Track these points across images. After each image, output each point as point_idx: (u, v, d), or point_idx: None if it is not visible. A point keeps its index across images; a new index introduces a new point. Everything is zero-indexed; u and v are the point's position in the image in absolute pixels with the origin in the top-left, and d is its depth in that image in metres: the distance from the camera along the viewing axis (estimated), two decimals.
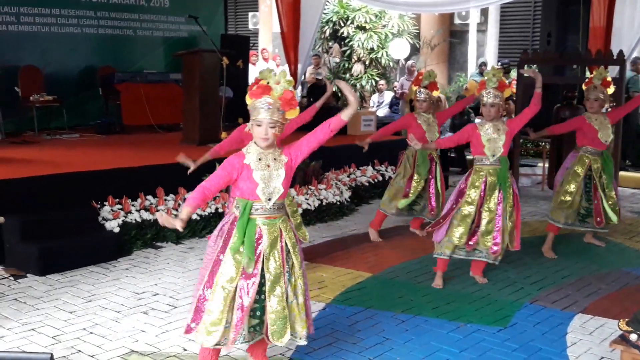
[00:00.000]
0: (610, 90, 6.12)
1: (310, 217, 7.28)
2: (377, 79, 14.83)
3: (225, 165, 3.34)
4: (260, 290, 3.37)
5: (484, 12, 15.42)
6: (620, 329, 3.29)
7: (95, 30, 10.52)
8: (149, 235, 6.25)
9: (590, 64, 8.52)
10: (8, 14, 9.49)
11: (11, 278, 5.34)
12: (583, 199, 6.12)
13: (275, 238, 3.39)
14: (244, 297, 3.32)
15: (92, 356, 3.94)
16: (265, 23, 18.20)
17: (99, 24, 10.54)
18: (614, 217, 6.04)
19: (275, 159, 3.36)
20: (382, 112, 13.31)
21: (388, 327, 4.44)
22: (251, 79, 7.92)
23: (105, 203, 6.16)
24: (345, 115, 3.34)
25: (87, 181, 6.25)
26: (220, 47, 9.37)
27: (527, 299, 5.03)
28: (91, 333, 4.28)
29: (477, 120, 8.93)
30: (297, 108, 3.40)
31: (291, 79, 3.51)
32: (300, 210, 7.11)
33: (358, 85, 15.01)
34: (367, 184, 8.53)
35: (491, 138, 5.09)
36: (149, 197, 6.48)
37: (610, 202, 6.07)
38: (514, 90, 8.91)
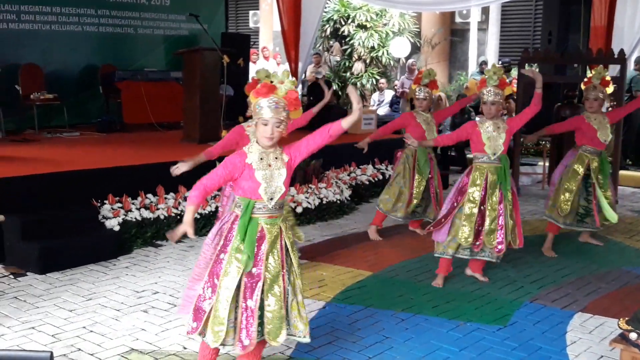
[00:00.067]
0: (610, 89, 6.11)
1: (311, 216, 7.28)
2: (378, 77, 14.83)
3: (227, 164, 3.34)
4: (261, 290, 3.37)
5: (485, 11, 15.42)
6: (620, 328, 3.28)
7: (96, 29, 10.52)
8: (149, 234, 6.26)
9: (591, 63, 8.52)
10: (9, 12, 9.48)
11: (11, 276, 5.34)
12: (581, 198, 6.12)
13: (275, 237, 3.39)
14: (249, 300, 3.32)
15: (92, 354, 3.95)
16: (266, 21, 18.20)
17: (99, 22, 10.53)
18: (614, 217, 6.03)
19: (276, 158, 3.35)
20: (383, 110, 13.31)
21: (388, 325, 4.44)
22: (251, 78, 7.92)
23: (106, 201, 6.16)
24: (345, 123, 3.31)
25: (88, 179, 6.25)
26: (220, 46, 9.37)
27: (527, 297, 5.03)
28: (91, 331, 4.28)
29: (477, 119, 8.94)
30: (301, 109, 3.39)
31: (294, 79, 3.51)
32: (300, 209, 7.12)
33: (359, 83, 15.00)
34: (367, 182, 8.53)
35: (491, 136, 5.09)
36: (149, 195, 6.48)
37: (608, 202, 6.06)
38: (515, 89, 8.92)
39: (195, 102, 8.23)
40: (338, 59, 15.39)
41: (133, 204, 6.30)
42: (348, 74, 15.15)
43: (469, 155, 9.28)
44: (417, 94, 6.42)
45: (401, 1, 11.53)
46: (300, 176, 7.44)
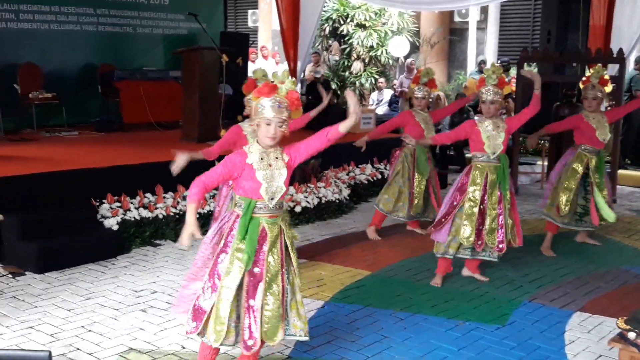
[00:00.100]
0: (608, 88, 6.11)
1: (310, 215, 7.28)
2: (377, 76, 14.83)
3: (227, 163, 3.33)
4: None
5: (484, 10, 15.43)
6: (619, 327, 3.28)
7: (95, 28, 10.51)
8: (147, 233, 6.25)
9: (590, 62, 8.51)
10: (7, 12, 9.47)
11: (10, 276, 5.34)
12: (580, 197, 6.12)
13: (276, 236, 3.39)
14: (251, 300, 3.32)
15: (90, 354, 3.95)
16: (264, 20, 18.19)
17: (98, 22, 10.52)
18: (611, 216, 6.03)
19: (277, 158, 3.35)
20: (382, 110, 13.31)
21: (387, 325, 4.45)
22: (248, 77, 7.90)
23: (104, 201, 6.16)
24: (342, 128, 3.30)
25: (86, 179, 6.25)
26: (219, 45, 9.36)
27: (526, 297, 5.03)
28: (89, 331, 4.28)
29: (476, 118, 8.94)
30: (301, 109, 3.39)
31: (294, 79, 3.51)
32: (299, 209, 7.12)
33: (357, 83, 15.00)
34: (366, 182, 8.53)
35: (491, 135, 5.09)
36: (148, 194, 6.48)
37: (605, 201, 6.06)
38: (513, 88, 8.92)
39: (194, 101, 8.22)
40: (337, 58, 15.39)
41: (132, 203, 6.30)
42: (347, 73, 15.15)
43: (468, 155, 9.29)
44: (415, 92, 6.42)
45: (400, 0, 11.53)
46: (299, 175, 7.44)
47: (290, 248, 3.46)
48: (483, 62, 13.61)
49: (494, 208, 5.11)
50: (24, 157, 7.02)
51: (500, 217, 5.13)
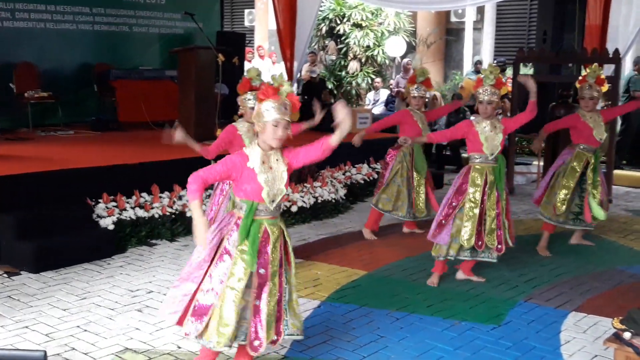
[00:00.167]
0: (604, 88, 6.12)
1: (306, 215, 7.28)
2: (373, 76, 14.83)
3: (227, 162, 3.33)
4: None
5: (480, 10, 15.44)
6: (614, 327, 3.29)
7: (91, 27, 10.49)
8: (143, 233, 6.24)
9: (586, 62, 8.53)
10: (3, 10, 9.45)
11: (5, 275, 5.33)
12: (576, 196, 6.13)
13: (277, 237, 3.41)
14: (257, 301, 3.32)
15: (86, 354, 3.94)
16: (261, 20, 18.17)
17: (94, 21, 10.50)
18: (601, 214, 6.05)
19: (277, 160, 3.35)
20: (378, 109, 13.31)
21: (383, 324, 4.45)
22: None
23: (100, 200, 6.15)
24: (333, 141, 3.28)
25: (82, 178, 6.24)
26: (216, 44, 9.36)
27: (521, 297, 5.04)
28: (85, 331, 4.27)
29: (472, 118, 8.95)
30: (298, 112, 3.40)
31: (289, 82, 3.51)
32: (295, 208, 7.12)
33: (354, 82, 15.00)
34: (362, 181, 8.53)
35: (489, 136, 5.09)
36: (144, 194, 6.46)
37: (596, 200, 6.08)
38: (510, 88, 8.94)
39: (190, 100, 8.21)
40: (333, 58, 15.38)
41: (128, 202, 6.29)
42: (343, 73, 15.14)
43: (464, 155, 9.30)
44: (412, 92, 6.43)
45: (397, 0, 11.53)
46: (296, 175, 7.43)
47: (289, 248, 3.47)
48: (479, 62, 13.62)
49: (493, 209, 5.12)
50: (20, 157, 7.00)
51: (499, 218, 5.14)
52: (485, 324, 4.50)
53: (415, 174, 6.42)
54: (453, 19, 15.76)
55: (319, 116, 4.92)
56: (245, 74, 4.84)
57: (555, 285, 5.32)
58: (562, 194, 6.06)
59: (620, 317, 3.30)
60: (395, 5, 12.54)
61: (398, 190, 6.43)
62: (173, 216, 6.47)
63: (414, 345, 4.13)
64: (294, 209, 7.11)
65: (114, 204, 6.20)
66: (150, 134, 9.25)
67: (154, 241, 6.31)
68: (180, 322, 3.39)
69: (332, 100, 12.85)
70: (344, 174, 8.44)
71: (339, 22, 15.05)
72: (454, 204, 5.16)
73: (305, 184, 7.54)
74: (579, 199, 6.12)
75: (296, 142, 3.50)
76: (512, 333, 4.36)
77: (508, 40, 15.23)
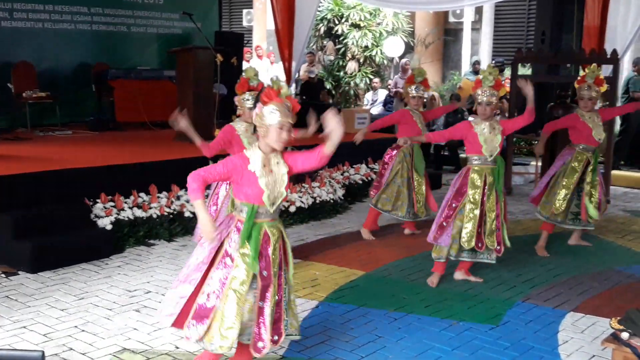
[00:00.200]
0: (603, 88, 6.12)
1: (304, 215, 7.28)
2: (372, 77, 14.83)
3: (228, 164, 3.32)
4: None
5: (479, 11, 15.44)
6: (612, 328, 3.29)
7: (89, 27, 10.49)
8: (141, 233, 6.24)
9: (584, 62, 8.54)
10: (1, 10, 9.45)
11: (3, 275, 5.32)
12: (575, 196, 6.13)
13: (277, 239, 3.41)
14: (260, 302, 3.32)
15: (83, 354, 3.93)
16: (259, 20, 18.17)
17: (92, 20, 10.51)
18: (594, 214, 6.06)
19: (277, 163, 3.35)
20: (376, 110, 13.32)
21: (381, 325, 4.45)
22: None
23: (98, 200, 6.14)
24: (328, 151, 3.26)
25: (80, 178, 6.23)
26: (214, 44, 9.36)
27: (519, 297, 5.04)
28: (83, 331, 4.27)
29: (470, 118, 8.95)
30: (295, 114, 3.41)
31: (286, 85, 3.51)
32: (293, 209, 7.12)
33: (352, 83, 15.00)
34: (360, 182, 8.53)
35: (488, 138, 5.08)
36: (142, 194, 6.46)
37: (592, 199, 6.08)
38: (508, 88, 8.95)
39: (188, 100, 8.20)
40: (332, 58, 15.38)
41: (125, 202, 6.28)
42: (342, 73, 15.14)
43: (462, 155, 9.32)
44: (411, 92, 6.43)
45: (395, 0, 11.52)
46: (294, 175, 7.42)
47: (288, 248, 3.48)
48: (477, 62, 13.63)
49: (492, 210, 5.12)
50: (18, 156, 7.00)
51: (498, 219, 5.14)
52: (483, 324, 4.50)
53: (415, 175, 6.43)
54: (451, 19, 15.76)
55: (312, 128, 4.87)
56: (243, 74, 4.84)
57: (553, 286, 5.32)
58: (562, 193, 6.06)
59: (618, 318, 3.31)
60: (393, 5, 12.54)
61: (398, 190, 6.43)
62: (171, 216, 6.46)
63: (412, 346, 4.13)
64: (292, 209, 7.11)
65: (112, 204, 6.19)
66: (148, 134, 9.27)
67: (152, 241, 6.30)
68: (175, 324, 3.38)
69: (331, 101, 12.88)
70: (342, 175, 8.44)
71: (337, 22, 15.05)
72: (454, 205, 5.16)
73: (303, 184, 7.54)
74: (578, 198, 6.13)
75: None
76: (510, 333, 4.36)
77: (506, 40, 15.23)
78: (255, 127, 3.37)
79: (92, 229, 5.97)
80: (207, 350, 3.36)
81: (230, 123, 4.99)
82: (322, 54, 15.43)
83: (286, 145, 3.36)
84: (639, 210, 8.24)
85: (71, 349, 4.00)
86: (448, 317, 4.60)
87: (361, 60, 15.14)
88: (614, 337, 3.25)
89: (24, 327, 4.31)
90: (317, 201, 7.49)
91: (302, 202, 7.30)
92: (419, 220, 6.63)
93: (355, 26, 14.98)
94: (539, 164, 9.67)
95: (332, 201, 7.69)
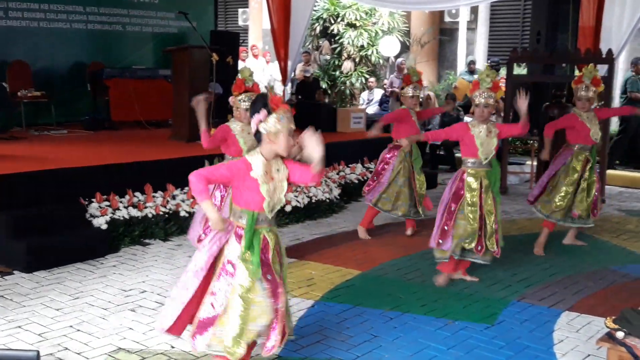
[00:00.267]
0: (601, 88, 6.13)
1: (300, 215, 7.27)
2: (367, 76, 14.84)
3: (231, 168, 3.33)
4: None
5: (474, 11, 15.46)
6: (607, 327, 3.30)
7: (85, 26, 10.46)
8: (136, 232, 6.23)
9: (579, 62, 8.56)
10: None
11: None
12: (573, 195, 6.14)
13: (274, 243, 3.42)
14: (274, 304, 3.33)
15: (79, 354, 3.93)
16: (255, 19, 18.16)
17: (88, 19, 10.48)
18: (583, 207, 6.08)
19: (278, 170, 3.35)
20: (372, 109, 13.32)
21: (376, 324, 4.45)
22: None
23: (93, 200, 6.13)
24: (314, 170, 3.26)
25: (75, 177, 6.21)
26: (210, 44, 9.34)
27: (515, 296, 5.05)
28: (78, 330, 4.26)
29: (467, 119, 8.97)
30: None
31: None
32: (289, 208, 7.12)
33: (348, 82, 15.01)
34: (356, 181, 8.52)
35: (484, 141, 5.08)
36: (137, 193, 6.45)
37: (587, 198, 6.10)
38: (503, 88, 8.96)
39: (184, 100, 8.17)
40: (327, 57, 15.38)
41: (121, 202, 6.27)
42: (337, 72, 15.15)
43: (458, 154, 9.32)
44: (409, 91, 6.44)
45: (390, 0, 11.53)
46: None
47: (282, 250, 3.51)
48: (473, 62, 13.65)
49: (491, 212, 5.12)
50: (13, 156, 6.97)
51: (495, 221, 5.14)
52: (478, 323, 4.51)
53: (416, 174, 6.46)
54: (447, 18, 15.78)
55: (296, 148, 4.71)
56: (239, 74, 4.85)
57: (548, 285, 5.33)
58: (563, 192, 6.07)
59: (613, 317, 3.31)
60: (389, 5, 12.54)
61: (399, 190, 6.43)
62: (166, 216, 6.45)
63: (408, 345, 4.13)
64: (288, 208, 7.11)
65: (107, 203, 6.18)
66: (144, 133, 9.25)
67: (147, 241, 6.29)
68: (171, 330, 3.38)
69: (326, 100, 12.88)
70: (337, 174, 8.44)
71: (333, 21, 15.05)
72: (452, 208, 5.15)
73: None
74: (575, 196, 6.14)
75: None
76: (506, 332, 4.37)
77: (502, 40, 15.25)
78: (257, 131, 3.28)
79: (87, 228, 5.96)
80: (217, 355, 3.35)
81: (226, 123, 5.00)
82: (317, 53, 15.42)
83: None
84: (634, 210, 8.26)
85: (66, 348, 3.99)
86: (443, 317, 4.60)
87: (357, 60, 15.15)
88: (609, 337, 3.25)
89: (19, 326, 4.30)
90: (313, 200, 7.49)
91: (298, 201, 7.30)
92: (419, 219, 6.64)
93: (351, 26, 14.99)
94: (534, 163, 9.69)
95: (327, 200, 7.70)
